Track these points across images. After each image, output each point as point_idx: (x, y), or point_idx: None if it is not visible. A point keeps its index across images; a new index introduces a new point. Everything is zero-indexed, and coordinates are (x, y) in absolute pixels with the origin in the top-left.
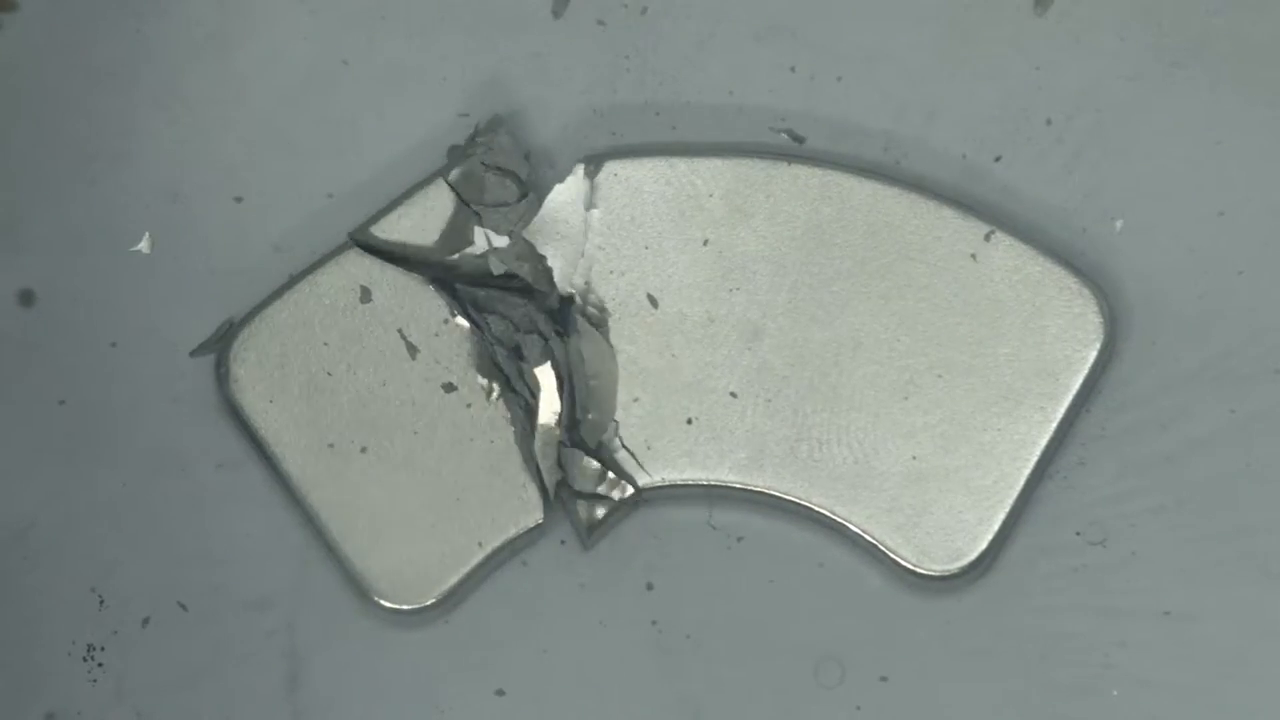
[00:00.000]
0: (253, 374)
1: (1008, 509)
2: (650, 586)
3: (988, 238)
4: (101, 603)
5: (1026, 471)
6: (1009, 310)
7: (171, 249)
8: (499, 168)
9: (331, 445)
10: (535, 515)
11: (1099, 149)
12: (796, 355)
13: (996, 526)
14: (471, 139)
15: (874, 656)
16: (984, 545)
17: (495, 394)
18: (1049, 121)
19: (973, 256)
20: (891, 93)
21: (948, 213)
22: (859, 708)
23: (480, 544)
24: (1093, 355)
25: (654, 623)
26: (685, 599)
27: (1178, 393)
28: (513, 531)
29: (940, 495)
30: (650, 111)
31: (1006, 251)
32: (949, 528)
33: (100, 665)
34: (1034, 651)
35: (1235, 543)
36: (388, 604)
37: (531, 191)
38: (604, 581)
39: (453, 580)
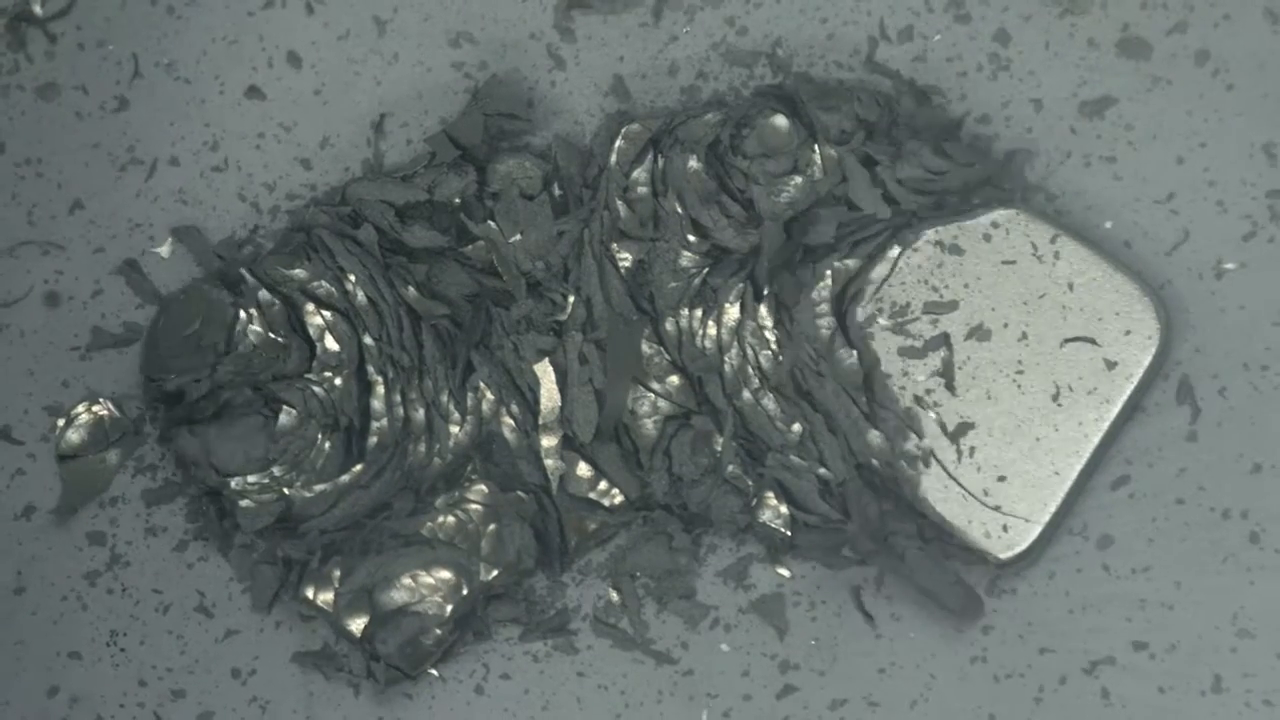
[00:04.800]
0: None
1: (1059, 502)
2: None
3: (1053, 241)
4: (124, 590)
5: (1079, 468)
6: (1070, 312)
7: (190, 253)
8: (500, 113)
9: None
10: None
11: (1079, 156)
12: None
13: (1047, 519)
14: (473, 97)
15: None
16: (1033, 537)
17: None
18: (1029, 130)
19: (1038, 259)
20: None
21: (1016, 214)
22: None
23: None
24: (1148, 360)
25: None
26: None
27: (1152, 388)
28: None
29: (995, 487)
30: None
31: (1071, 255)
32: (1002, 518)
33: (122, 650)
34: (1013, 636)
35: (1209, 533)
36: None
37: (552, 183)
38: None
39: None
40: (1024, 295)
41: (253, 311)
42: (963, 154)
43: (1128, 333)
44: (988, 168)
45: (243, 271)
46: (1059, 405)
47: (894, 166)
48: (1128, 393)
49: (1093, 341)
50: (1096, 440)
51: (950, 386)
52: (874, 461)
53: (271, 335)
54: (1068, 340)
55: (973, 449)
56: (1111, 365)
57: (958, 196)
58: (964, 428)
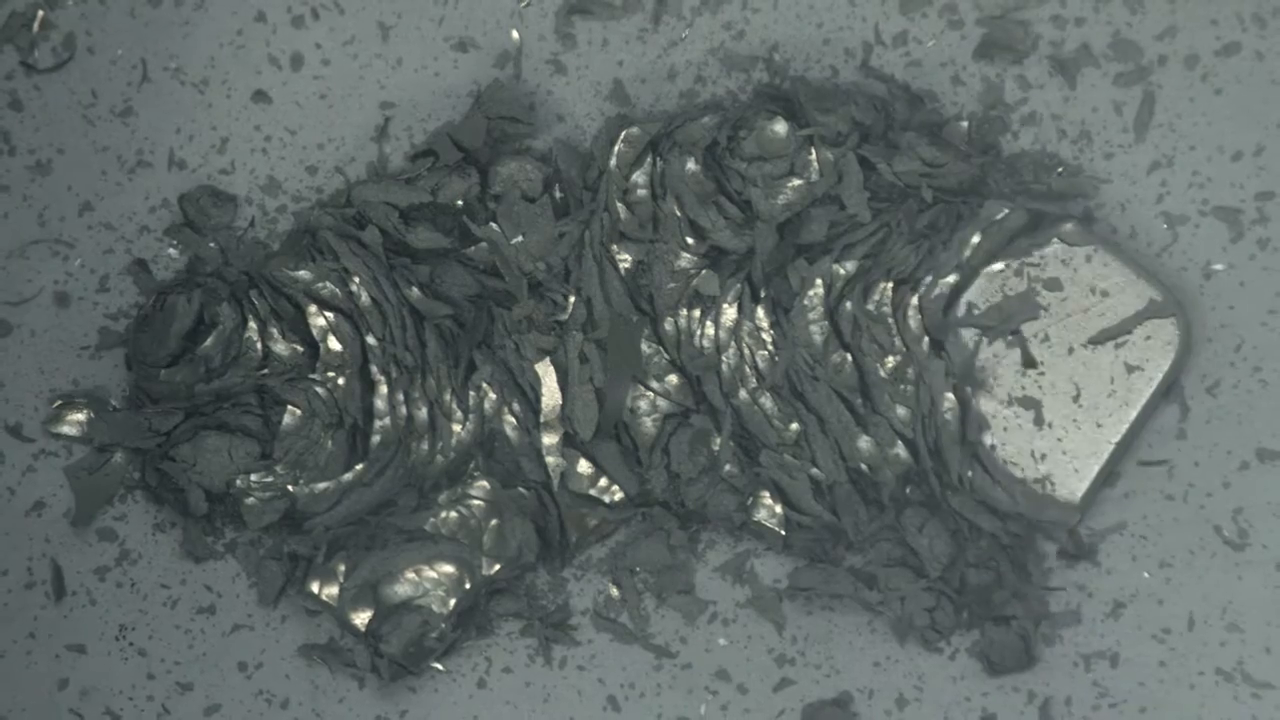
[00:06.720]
0: None
1: (1078, 499)
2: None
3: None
4: (133, 585)
5: (1097, 467)
6: (1092, 317)
7: (188, 252)
8: (503, 117)
9: None
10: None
11: (1070, 159)
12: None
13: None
14: (476, 101)
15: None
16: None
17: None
18: (1014, 136)
19: (1063, 263)
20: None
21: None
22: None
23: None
24: (1168, 363)
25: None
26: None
27: None
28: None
29: (1016, 484)
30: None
31: (1094, 261)
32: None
33: (131, 644)
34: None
35: (1198, 529)
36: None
37: (554, 187)
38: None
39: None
40: (1047, 299)
41: (269, 324)
42: (958, 150)
43: (1148, 337)
44: (983, 164)
45: (251, 277)
46: (1079, 406)
47: (890, 162)
48: (1147, 395)
49: (1115, 345)
50: (1116, 441)
51: (978, 387)
52: (863, 466)
53: (295, 346)
54: (1089, 344)
55: (993, 447)
56: (1132, 369)
57: (953, 194)
58: (984, 426)
